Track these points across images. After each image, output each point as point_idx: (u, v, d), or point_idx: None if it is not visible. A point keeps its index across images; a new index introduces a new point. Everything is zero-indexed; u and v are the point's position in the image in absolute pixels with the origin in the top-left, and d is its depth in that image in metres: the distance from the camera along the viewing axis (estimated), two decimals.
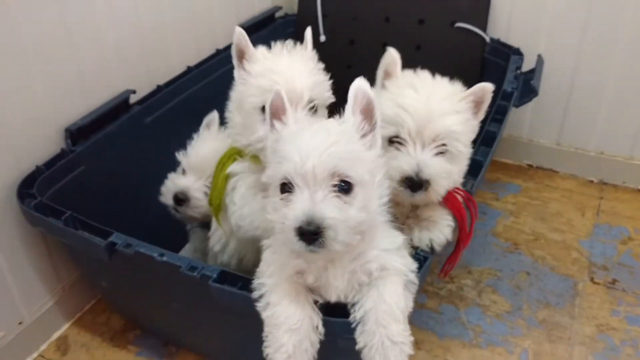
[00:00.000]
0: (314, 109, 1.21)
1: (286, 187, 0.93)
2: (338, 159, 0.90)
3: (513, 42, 1.88)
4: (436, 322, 1.56)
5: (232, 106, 1.30)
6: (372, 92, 0.98)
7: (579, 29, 1.86)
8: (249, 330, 1.20)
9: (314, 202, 0.89)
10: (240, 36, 1.23)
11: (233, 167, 1.28)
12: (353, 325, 0.98)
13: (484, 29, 1.91)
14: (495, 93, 1.61)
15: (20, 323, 1.46)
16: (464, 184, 1.24)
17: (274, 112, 1.02)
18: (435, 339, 1.51)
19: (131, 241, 1.15)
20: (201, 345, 1.46)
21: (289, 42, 1.27)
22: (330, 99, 1.26)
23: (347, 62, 2.13)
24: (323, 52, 2.14)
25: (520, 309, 1.59)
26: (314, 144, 0.91)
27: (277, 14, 2.17)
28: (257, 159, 1.24)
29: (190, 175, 1.43)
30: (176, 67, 1.77)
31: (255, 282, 1.03)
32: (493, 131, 1.43)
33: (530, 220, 1.91)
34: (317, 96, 1.21)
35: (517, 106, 1.65)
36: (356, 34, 2.10)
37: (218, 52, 1.89)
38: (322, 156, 0.89)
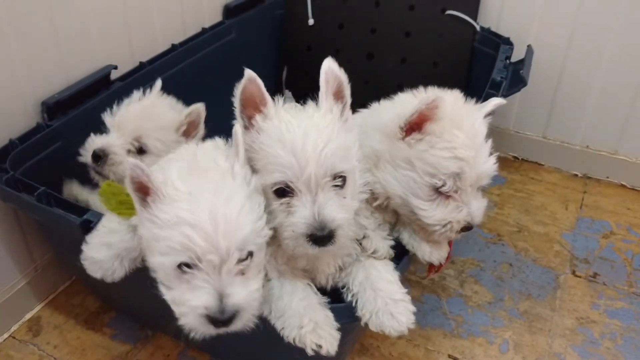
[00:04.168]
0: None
1: (282, 192, 0.91)
2: (334, 159, 0.89)
3: (503, 31, 1.86)
4: (418, 311, 1.49)
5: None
6: (341, 71, 0.95)
7: (569, 21, 1.85)
8: None
9: (320, 206, 0.88)
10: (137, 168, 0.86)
11: None
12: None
13: (475, 18, 1.88)
14: (484, 82, 1.61)
15: None
16: None
17: (247, 100, 0.93)
18: (417, 328, 1.49)
19: None
20: (176, 330, 1.43)
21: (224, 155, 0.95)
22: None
23: (335, 47, 2.10)
24: (311, 35, 2.13)
25: (502, 300, 1.58)
26: (310, 147, 0.88)
27: None
28: None
29: (113, 133, 1.33)
30: (160, 45, 1.72)
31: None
32: None
33: (514, 212, 1.90)
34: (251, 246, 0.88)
35: (505, 96, 1.62)
36: (345, 19, 2.06)
37: (204, 30, 1.84)
38: (319, 159, 0.88)
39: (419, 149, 1.03)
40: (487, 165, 1.08)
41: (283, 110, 0.95)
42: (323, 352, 0.93)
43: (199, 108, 1.37)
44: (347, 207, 0.91)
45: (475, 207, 1.08)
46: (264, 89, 0.93)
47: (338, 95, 0.96)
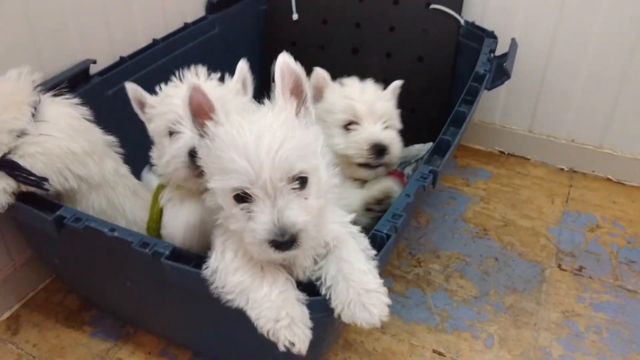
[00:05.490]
0: None
1: (242, 197, 0.88)
2: (291, 160, 0.86)
3: (487, 25, 1.85)
4: (402, 306, 1.53)
5: (153, 149, 1.26)
6: (297, 65, 0.93)
7: (553, 15, 1.85)
8: (204, 310, 1.16)
9: (280, 210, 0.86)
10: (135, 90, 1.24)
11: (163, 198, 1.24)
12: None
13: (459, 12, 1.88)
14: (469, 75, 1.60)
15: None
16: (431, 162, 1.22)
17: (197, 109, 0.92)
18: (401, 323, 1.48)
19: (80, 215, 1.09)
20: (157, 326, 1.41)
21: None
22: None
23: (319, 42, 2.08)
24: (295, 31, 2.11)
25: (487, 295, 1.57)
26: (264, 150, 0.85)
27: None
28: (180, 188, 1.20)
29: None
30: (141, 39, 1.70)
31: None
32: (463, 112, 1.40)
33: (500, 207, 1.89)
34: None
35: (489, 89, 1.62)
36: (330, 14, 2.05)
37: (186, 25, 1.82)
38: (274, 162, 0.85)
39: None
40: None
41: (235, 113, 0.92)
42: (295, 350, 0.91)
43: None
44: (310, 208, 0.88)
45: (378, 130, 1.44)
46: (209, 96, 0.91)
47: (296, 91, 0.93)
